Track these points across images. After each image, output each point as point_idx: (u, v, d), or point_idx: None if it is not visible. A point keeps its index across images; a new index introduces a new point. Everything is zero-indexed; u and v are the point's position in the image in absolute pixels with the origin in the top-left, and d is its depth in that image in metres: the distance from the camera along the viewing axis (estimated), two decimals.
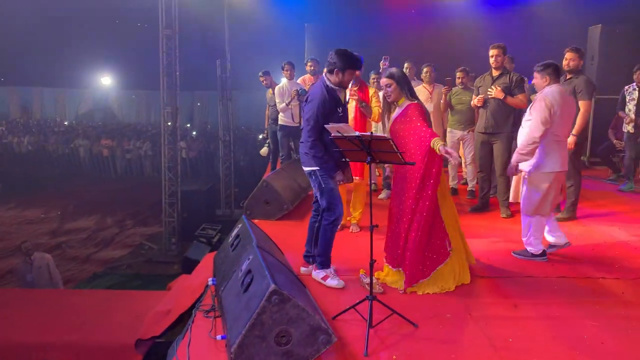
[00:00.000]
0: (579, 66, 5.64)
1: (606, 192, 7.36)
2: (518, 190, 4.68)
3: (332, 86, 3.99)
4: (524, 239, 4.69)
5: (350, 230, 5.60)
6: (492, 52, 5.74)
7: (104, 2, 16.33)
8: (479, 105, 5.86)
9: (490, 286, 4.09)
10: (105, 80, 23.44)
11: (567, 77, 5.71)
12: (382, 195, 7.01)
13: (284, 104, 7.31)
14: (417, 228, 3.82)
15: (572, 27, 9.95)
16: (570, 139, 5.55)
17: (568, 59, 5.63)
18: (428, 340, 3.27)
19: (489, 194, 6.26)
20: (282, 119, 7.57)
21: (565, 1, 9.81)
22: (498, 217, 5.97)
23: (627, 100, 7.25)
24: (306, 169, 4.09)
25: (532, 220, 4.56)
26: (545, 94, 4.38)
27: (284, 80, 7.70)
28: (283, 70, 7.64)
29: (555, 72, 4.49)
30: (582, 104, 5.52)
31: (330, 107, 3.94)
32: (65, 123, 23.03)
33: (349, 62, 3.92)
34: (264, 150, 8.78)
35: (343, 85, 4.05)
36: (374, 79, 6.89)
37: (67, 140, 20.70)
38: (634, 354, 3.13)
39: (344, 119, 4.10)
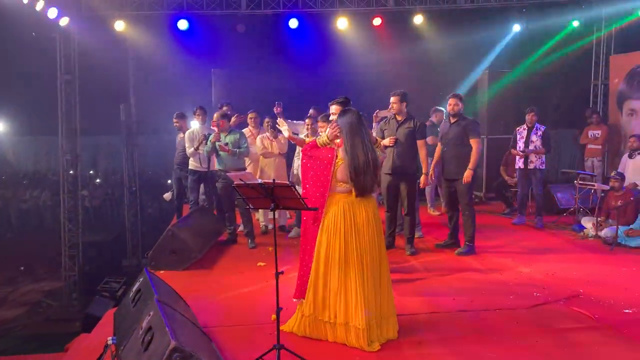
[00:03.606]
0: (461, 109, 6.23)
1: (501, 225, 7.85)
2: None
3: None
4: None
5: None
6: (391, 99, 6.04)
7: None
8: (389, 145, 6.08)
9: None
10: None
11: (453, 121, 6.23)
12: (293, 233, 7.08)
13: (192, 149, 7.25)
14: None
15: (463, 72, 10.73)
16: (467, 173, 6.02)
17: (452, 104, 6.20)
18: None
19: (395, 232, 6.46)
20: (192, 164, 7.48)
21: (455, 49, 10.57)
22: (403, 254, 6.17)
23: (517, 139, 7.86)
24: None
25: None
26: None
27: (196, 125, 7.66)
28: (195, 115, 7.63)
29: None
30: (474, 142, 6.09)
31: None
32: None
33: None
34: (167, 195, 8.57)
35: None
36: (267, 122, 7.33)
37: None
38: None
39: None
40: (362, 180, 3.77)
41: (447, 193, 6.49)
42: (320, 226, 3.86)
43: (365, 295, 3.70)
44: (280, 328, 3.59)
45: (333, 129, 3.89)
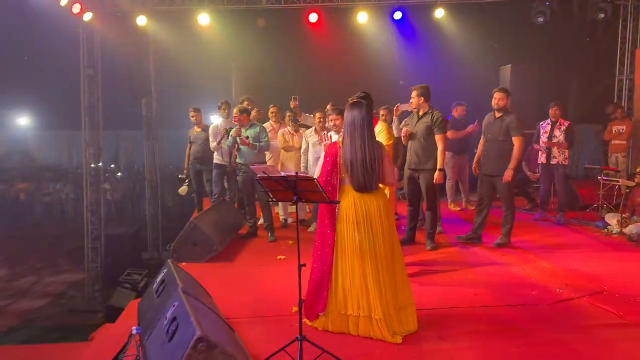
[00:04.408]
0: (507, 105, 6.09)
1: (522, 221, 7.74)
2: None
3: None
4: None
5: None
6: (412, 93, 6.01)
7: (18, 41, 15.71)
8: (403, 137, 6.11)
9: (417, 319, 4.16)
10: (22, 121, 22.31)
11: (497, 115, 6.13)
12: (312, 228, 7.09)
13: (215, 143, 7.31)
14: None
15: (484, 67, 10.61)
16: (507, 173, 5.98)
17: (497, 98, 6.08)
18: None
19: (415, 227, 6.43)
20: (216, 158, 7.55)
21: (477, 43, 10.46)
22: (423, 249, 6.14)
23: (541, 133, 7.76)
24: None
25: None
26: None
27: (219, 119, 7.70)
28: (220, 109, 7.66)
29: None
30: (516, 139, 5.99)
31: None
32: None
33: None
34: (182, 189, 8.61)
35: None
36: (289, 116, 7.46)
37: None
38: None
39: None
40: (357, 175, 3.78)
41: (484, 187, 6.40)
42: (337, 217, 3.86)
43: (380, 285, 3.71)
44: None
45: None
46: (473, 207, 8.53)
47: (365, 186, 3.79)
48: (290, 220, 7.66)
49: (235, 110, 6.84)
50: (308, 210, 7.95)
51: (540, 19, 10.16)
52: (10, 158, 22.51)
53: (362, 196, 3.81)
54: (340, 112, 5.30)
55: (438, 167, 5.89)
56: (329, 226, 3.88)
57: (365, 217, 3.78)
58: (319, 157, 6.60)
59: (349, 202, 3.82)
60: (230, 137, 6.75)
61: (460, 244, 6.42)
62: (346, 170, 3.82)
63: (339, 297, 3.82)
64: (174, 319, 3.06)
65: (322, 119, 6.81)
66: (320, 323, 3.92)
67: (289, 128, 7.48)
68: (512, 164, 5.98)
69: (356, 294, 3.76)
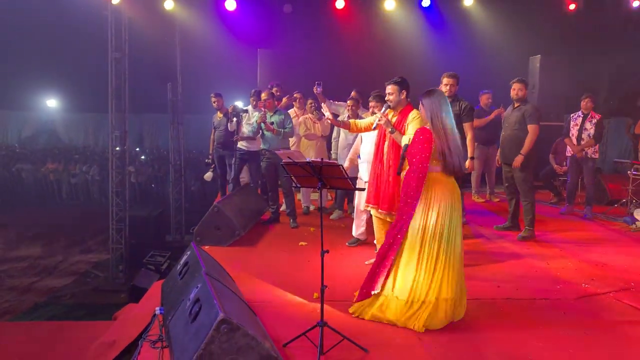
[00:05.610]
0: (525, 95, 6.11)
1: (548, 215, 7.63)
2: None
3: None
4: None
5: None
6: (446, 80, 5.94)
7: (48, 24, 15.93)
8: None
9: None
10: (51, 103, 22.70)
11: (516, 106, 6.16)
12: (334, 215, 7.09)
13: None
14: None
15: (514, 57, 10.42)
16: (517, 158, 6.00)
17: (516, 89, 6.12)
18: None
19: None
20: (240, 144, 7.56)
21: (506, 32, 10.25)
22: None
23: (571, 125, 7.59)
24: None
25: None
26: None
27: (249, 108, 7.75)
28: (251, 97, 7.68)
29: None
30: (530, 127, 6.02)
31: None
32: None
33: None
34: (207, 175, 8.68)
35: None
36: (311, 103, 7.42)
37: (7, 163, 19.82)
38: None
39: None
40: (453, 160, 3.78)
41: (505, 177, 6.44)
42: (420, 203, 3.79)
43: (445, 272, 3.73)
44: (350, 311, 3.90)
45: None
46: (497, 199, 8.49)
47: (457, 169, 3.80)
48: (312, 207, 7.67)
49: (263, 95, 6.83)
50: (330, 197, 7.95)
51: (572, 7, 9.92)
52: (39, 139, 23.00)
53: (452, 184, 3.84)
54: (381, 100, 5.27)
55: (469, 155, 5.86)
56: (408, 210, 3.81)
57: (451, 206, 3.78)
58: (350, 144, 6.58)
59: (437, 189, 3.78)
60: (254, 122, 6.78)
61: (483, 238, 6.35)
62: (440, 157, 3.78)
63: (388, 279, 3.83)
64: (197, 300, 3.10)
65: (352, 107, 6.76)
66: (355, 308, 3.96)
67: (311, 115, 7.46)
68: (524, 149, 6.01)
69: (414, 280, 3.73)
